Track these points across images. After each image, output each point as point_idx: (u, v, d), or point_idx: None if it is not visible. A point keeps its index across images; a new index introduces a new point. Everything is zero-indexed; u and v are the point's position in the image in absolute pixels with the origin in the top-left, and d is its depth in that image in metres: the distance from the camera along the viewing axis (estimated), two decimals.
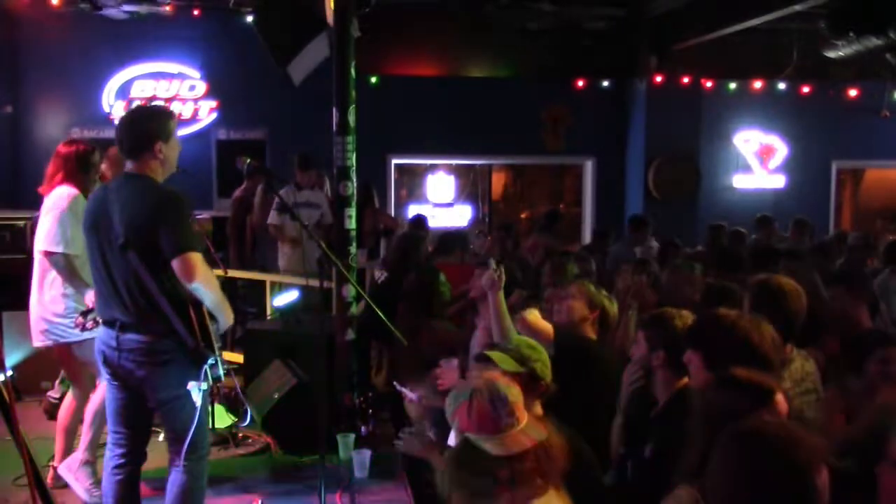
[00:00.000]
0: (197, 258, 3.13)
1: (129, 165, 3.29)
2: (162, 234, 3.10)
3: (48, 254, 3.97)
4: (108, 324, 3.24)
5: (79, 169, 4.13)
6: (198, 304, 3.21)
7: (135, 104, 9.23)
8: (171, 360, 3.18)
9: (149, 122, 3.30)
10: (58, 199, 4.04)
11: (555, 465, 2.21)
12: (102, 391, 4.07)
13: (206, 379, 3.17)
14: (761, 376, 2.36)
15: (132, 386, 3.26)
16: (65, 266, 3.96)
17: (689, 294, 4.51)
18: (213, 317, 3.24)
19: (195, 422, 3.25)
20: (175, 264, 3.09)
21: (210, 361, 3.17)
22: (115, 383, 3.31)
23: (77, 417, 4.23)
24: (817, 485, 1.80)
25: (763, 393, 2.28)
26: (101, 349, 3.28)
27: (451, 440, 2.38)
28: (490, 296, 3.56)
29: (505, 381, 2.35)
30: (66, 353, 4.16)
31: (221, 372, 3.23)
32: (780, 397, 2.31)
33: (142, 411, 3.32)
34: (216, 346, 3.23)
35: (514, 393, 2.28)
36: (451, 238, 7.01)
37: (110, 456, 3.35)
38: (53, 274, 4.05)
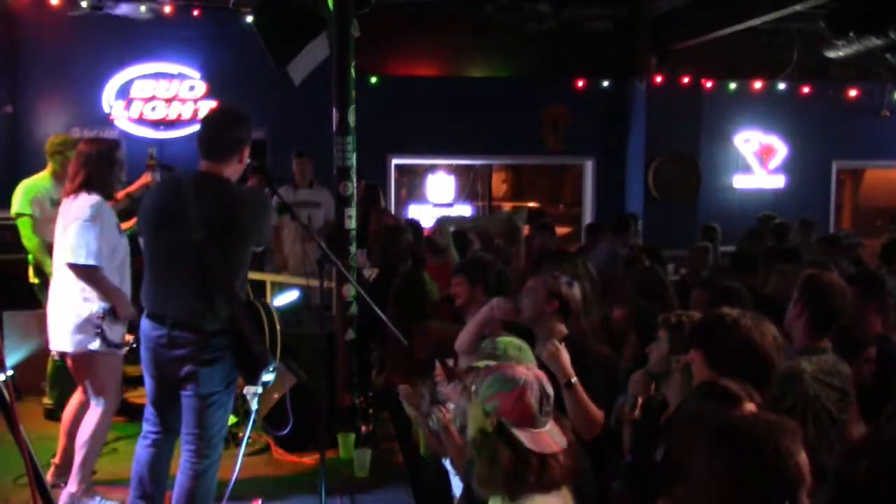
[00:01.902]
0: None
1: (203, 164, 3.34)
2: (258, 231, 3.32)
3: (73, 266, 3.86)
4: (159, 319, 3.27)
5: (102, 168, 4.01)
6: (268, 308, 3.26)
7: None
8: (220, 358, 3.24)
9: (238, 129, 3.39)
10: (78, 209, 3.93)
11: (568, 470, 2.25)
12: (100, 414, 4.03)
13: (262, 384, 3.23)
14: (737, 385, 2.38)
15: (175, 381, 3.29)
16: (91, 277, 3.86)
17: None
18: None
19: (222, 422, 3.29)
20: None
21: (270, 367, 3.21)
22: (158, 378, 3.35)
23: (81, 419, 4.18)
24: (783, 469, 1.80)
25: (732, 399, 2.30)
26: (147, 346, 3.31)
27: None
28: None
29: (546, 380, 2.37)
30: (85, 363, 4.03)
31: (272, 377, 3.27)
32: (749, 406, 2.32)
33: (178, 398, 3.36)
34: (279, 351, 3.31)
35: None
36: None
37: (145, 429, 3.46)
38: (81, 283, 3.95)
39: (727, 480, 1.85)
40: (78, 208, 3.94)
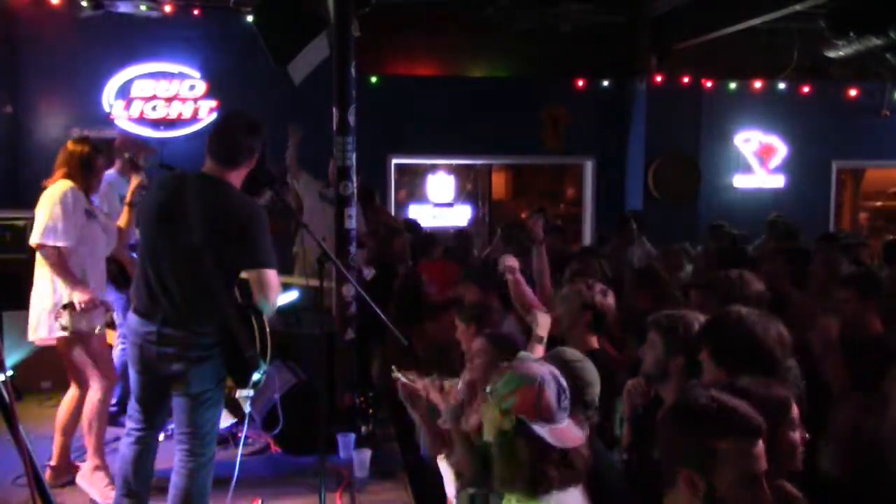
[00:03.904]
0: (274, 276, 3.23)
1: (210, 166, 3.34)
2: (246, 243, 3.18)
3: (39, 246, 4.02)
4: (148, 316, 3.26)
5: (81, 169, 4.23)
6: (258, 311, 3.26)
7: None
8: (210, 357, 3.23)
9: (256, 139, 3.37)
10: (50, 194, 4.10)
11: (588, 462, 2.27)
12: (98, 395, 4.09)
13: (252, 386, 3.22)
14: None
15: (163, 378, 3.28)
16: (55, 259, 4.00)
17: None
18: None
19: (214, 420, 3.29)
20: (252, 276, 3.21)
21: (261, 370, 3.21)
22: (145, 375, 3.34)
23: (76, 417, 4.23)
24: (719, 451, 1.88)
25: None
26: (135, 342, 3.30)
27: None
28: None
29: (560, 374, 2.37)
30: (64, 349, 4.16)
31: (261, 377, 3.27)
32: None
33: (165, 396, 3.35)
34: (269, 354, 3.29)
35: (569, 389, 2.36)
36: (431, 238, 7.30)
37: (129, 426, 3.45)
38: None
39: (685, 457, 1.92)
40: (51, 192, 4.10)
